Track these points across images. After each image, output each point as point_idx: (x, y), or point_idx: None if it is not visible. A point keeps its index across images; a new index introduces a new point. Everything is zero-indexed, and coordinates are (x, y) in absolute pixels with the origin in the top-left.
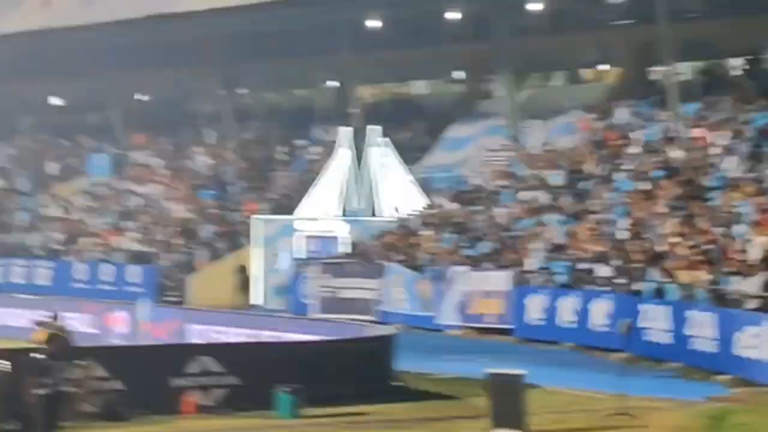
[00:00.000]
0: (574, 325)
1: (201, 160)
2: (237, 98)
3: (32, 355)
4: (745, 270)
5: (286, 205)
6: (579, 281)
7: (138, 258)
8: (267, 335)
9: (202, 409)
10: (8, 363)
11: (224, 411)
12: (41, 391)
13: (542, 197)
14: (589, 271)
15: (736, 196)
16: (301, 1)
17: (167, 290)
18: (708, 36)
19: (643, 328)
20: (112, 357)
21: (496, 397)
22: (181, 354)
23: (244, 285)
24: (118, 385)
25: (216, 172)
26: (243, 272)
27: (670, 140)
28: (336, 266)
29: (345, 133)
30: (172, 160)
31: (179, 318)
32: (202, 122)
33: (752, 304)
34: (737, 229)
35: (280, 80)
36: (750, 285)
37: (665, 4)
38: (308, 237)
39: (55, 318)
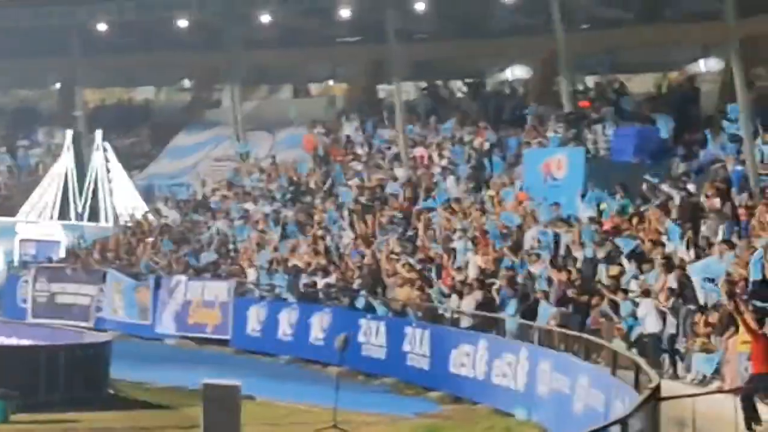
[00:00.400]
0: (293, 338)
1: None
2: None
3: None
4: (461, 288)
5: (6, 206)
6: (299, 294)
7: None
8: None
9: None
10: None
11: None
12: None
13: (265, 209)
14: (310, 285)
15: (456, 215)
16: (30, 1)
17: None
18: (435, 57)
19: (361, 343)
20: None
21: (210, 407)
22: None
23: None
24: None
25: None
26: None
27: (393, 158)
28: (54, 270)
29: (68, 136)
30: None
31: None
32: None
33: (466, 322)
34: (455, 247)
35: (3, 80)
36: (465, 304)
37: (394, 24)
38: (27, 240)
39: None
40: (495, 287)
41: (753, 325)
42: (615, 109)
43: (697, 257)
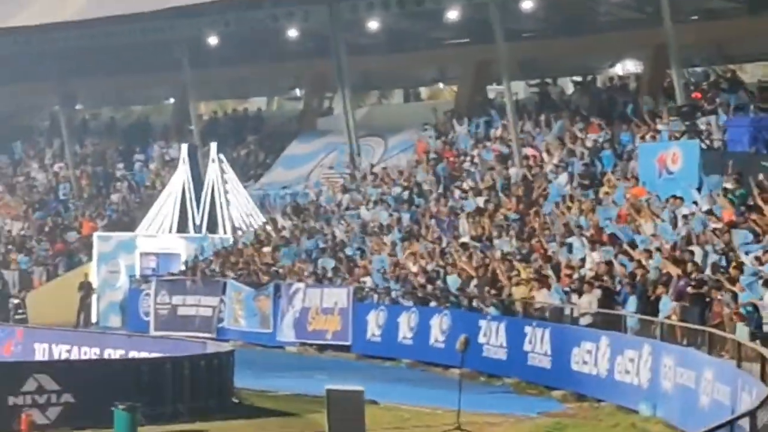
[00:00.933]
0: (413, 342)
1: (37, 177)
2: (74, 114)
3: None
4: (579, 286)
5: (125, 221)
6: (418, 298)
7: None
8: (107, 353)
9: (39, 428)
10: None
11: (61, 429)
12: None
13: (381, 214)
14: (428, 288)
15: (571, 213)
16: (139, 17)
17: (13, 308)
18: (543, 55)
19: (481, 344)
20: None
21: (334, 413)
22: (16, 372)
23: (85, 302)
24: None
25: (53, 188)
26: (88, 289)
27: (506, 158)
28: (175, 283)
29: (183, 149)
30: (8, 176)
31: (20, 336)
32: (39, 138)
33: (586, 320)
34: (572, 244)
35: (118, 96)
36: (584, 301)
37: (501, 24)
38: (147, 254)
39: None
40: (613, 284)
41: None
42: (728, 99)
43: None
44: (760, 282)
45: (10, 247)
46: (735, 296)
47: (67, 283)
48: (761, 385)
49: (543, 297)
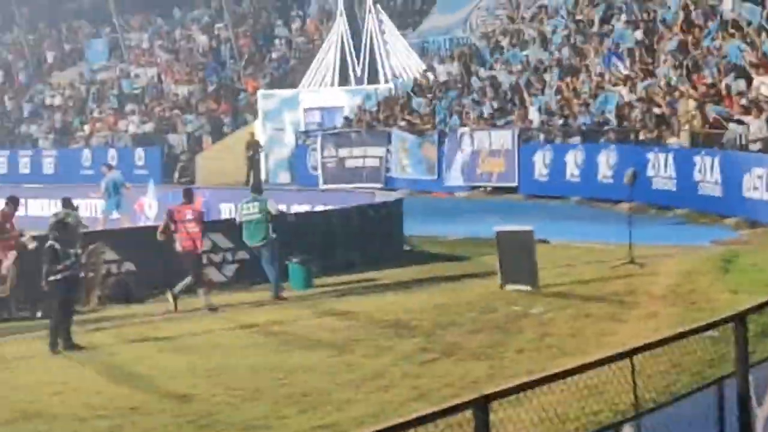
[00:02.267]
0: (580, 179)
1: (198, 40)
2: None
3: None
4: (749, 112)
5: (287, 78)
6: (583, 135)
7: (142, 141)
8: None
9: (216, 285)
10: (35, 242)
11: (237, 286)
12: (53, 277)
13: (541, 53)
14: (593, 124)
15: (732, 40)
16: None
17: (179, 171)
18: None
19: (650, 177)
20: (122, 239)
21: (505, 254)
22: None
23: (254, 161)
24: (130, 266)
25: (214, 50)
26: (256, 147)
27: None
28: (339, 136)
29: (340, 1)
30: (170, 41)
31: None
32: (198, 1)
33: (756, 145)
34: (743, 68)
35: None
36: (754, 126)
37: None
38: (311, 109)
39: (66, 204)
40: None
41: None
42: None
43: None
44: None
45: (176, 111)
46: None
47: (234, 143)
48: None
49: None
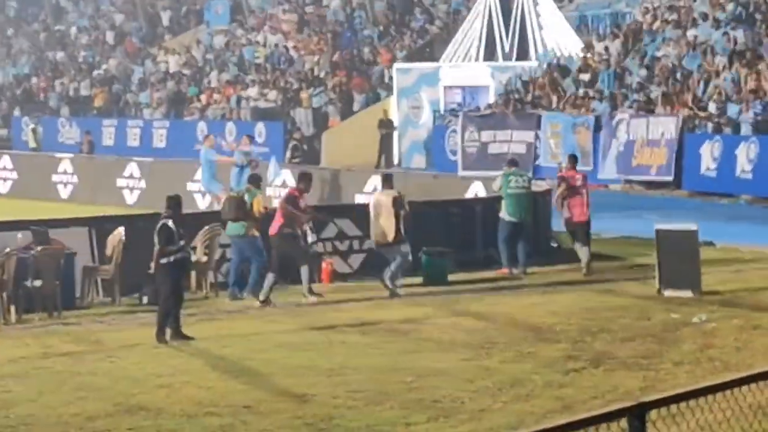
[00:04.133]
0: (753, 175)
1: (331, 4)
2: None
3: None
4: None
5: (428, 52)
6: (757, 126)
7: (264, 114)
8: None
9: (340, 276)
10: (122, 230)
11: (364, 277)
12: (165, 260)
13: (713, 33)
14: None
15: None
16: None
17: (290, 150)
18: None
19: None
20: None
21: (665, 255)
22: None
23: (386, 141)
24: None
25: (347, 18)
26: (387, 126)
27: None
28: (483, 118)
29: None
30: (299, 6)
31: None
32: None
33: None
34: None
35: None
36: None
37: None
38: (452, 86)
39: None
40: None
41: None
42: None
43: None
44: None
45: (302, 84)
46: None
47: (365, 121)
48: None
49: None
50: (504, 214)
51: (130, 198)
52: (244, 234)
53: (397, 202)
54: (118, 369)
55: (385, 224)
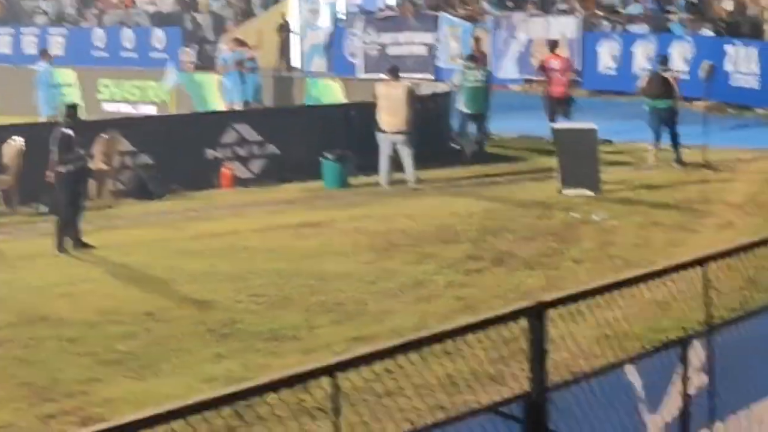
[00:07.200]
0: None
1: None
2: None
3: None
4: None
5: None
6: (654, 23)
7: (161, 20)
8: None
9: (241, 182)
10: (22, 140)
11: (265, 183)
12: (63, 168)
13: None
14: (665, 11)
15: None
16: None
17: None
18: None
19: (728, 72)
20: (139, 129)
21: (565, 154)
22: (215, 123)
23: (285, 45)
24: (147, 159)
25: None
26: (285, 30)
27: None
28: (383, 20)
29: None
30: None
31: None
32: None
33: None
34: None
35: None
36: None
37: None
38: None
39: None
40: None
41: None
42: None
43: None
44: None
45: None
46: None
47: (264, 25)
48: None
49: None
50: (461, 106)
51: None
52: None
53: (411, 93)
54: (18, 279)
55: (403, 114)
